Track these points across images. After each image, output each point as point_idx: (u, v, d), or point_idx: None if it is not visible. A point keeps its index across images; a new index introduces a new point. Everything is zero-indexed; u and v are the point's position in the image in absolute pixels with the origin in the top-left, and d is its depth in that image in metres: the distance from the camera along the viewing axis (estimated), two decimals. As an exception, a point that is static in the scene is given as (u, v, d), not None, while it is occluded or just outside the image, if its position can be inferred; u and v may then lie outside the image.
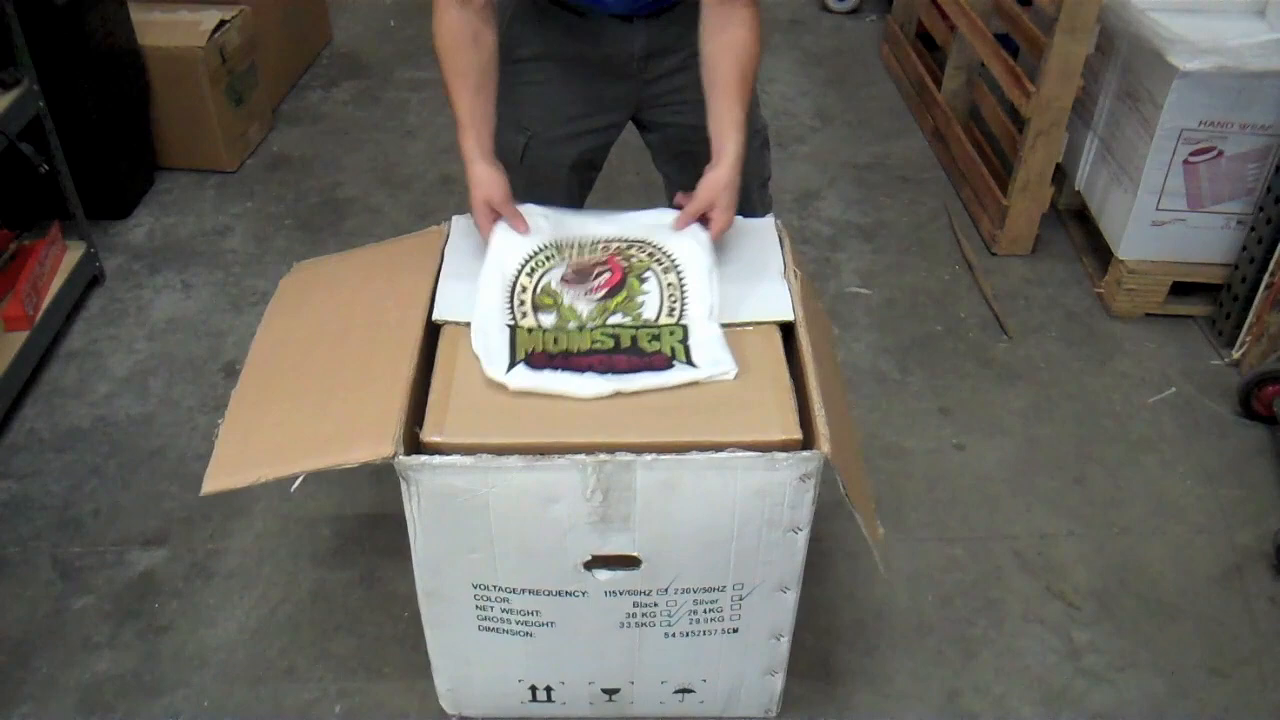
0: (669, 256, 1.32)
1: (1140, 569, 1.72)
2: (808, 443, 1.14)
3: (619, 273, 1.30)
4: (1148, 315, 2.28)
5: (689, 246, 1.32)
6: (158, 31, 2.56)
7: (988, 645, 1.60)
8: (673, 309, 1.26)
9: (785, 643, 1.34)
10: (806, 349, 1.22)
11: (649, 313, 1.26)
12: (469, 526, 1.17)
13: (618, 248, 1.34)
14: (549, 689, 1.39)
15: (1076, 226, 2.56)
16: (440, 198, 2.68)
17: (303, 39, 3.31)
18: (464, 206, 1.45)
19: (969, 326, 2.27)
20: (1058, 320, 2.29)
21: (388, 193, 2.71)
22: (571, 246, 1.34)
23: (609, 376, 1.18)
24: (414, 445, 1.14)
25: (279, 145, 2.91)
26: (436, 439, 1.13)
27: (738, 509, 1.16)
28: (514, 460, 1.11)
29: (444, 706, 1.45)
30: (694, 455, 1.12)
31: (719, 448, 1.12)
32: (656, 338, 1.23)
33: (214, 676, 1.53)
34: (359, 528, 1.76)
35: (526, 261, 1.31)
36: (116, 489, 1.83)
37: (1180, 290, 2.25)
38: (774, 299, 1.30)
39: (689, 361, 1.20)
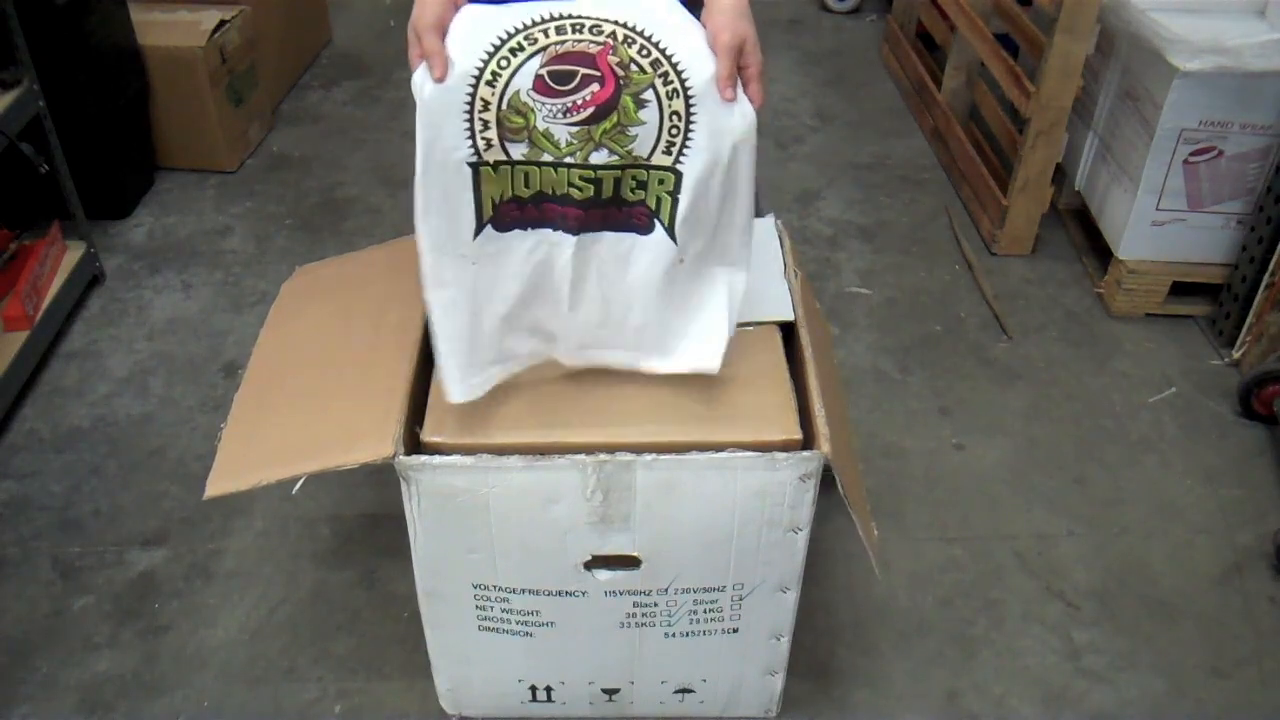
0: (679, 72, 1.02)
1: (1140, 569, 1.72)
2: (808, 443, 1.14)
3: (610, 84, 1.02)
4: (1148, 315, 2.28)
5: (705, 64, 1.02)
6: (158, 31, 2.56)
7: (988, 645, 1.60)
8: (670, 146, 1.04)
9: (785, 643, 1.34)
10: (807, 349, 1.22)
11: (641, 148, 1.04)
12: (469, 526, 1.17)
13: (613, 35, 1.02)
14: (549, 689, 1.39)
15: (1076, 226, 2.56)
16: (440, 198, 2.68)
17: (303, 39, 3.30)
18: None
19: (969, 326, 2.26)
20: (1058, 320, 2.29)
21: (388, 193, 2.71)
22: (549, 26, 1.02)
23: (580, 237, 1.08)
24: (414, 445, 1.14)
25: (279, 145, 2.91)
26: (437, 439, 1.13)
27: (738, 509, 1.16)
28: (514, 460, 1.11)
29: (444, 706, 1.45)
30: (694, 455, 1.12)
31: (719, 448, 1.12)
32: (643, 185, 1.07)
33: (214, 676, 1.53)
34: (359, 528, 1.76)
35: (487, 62, 1.01)
36: (116, 489, 1.83)
37: (1180, 290, 2.25)
38: (774, 299, 1.30)
39: (670, 230, 1.08)
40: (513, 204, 1.08)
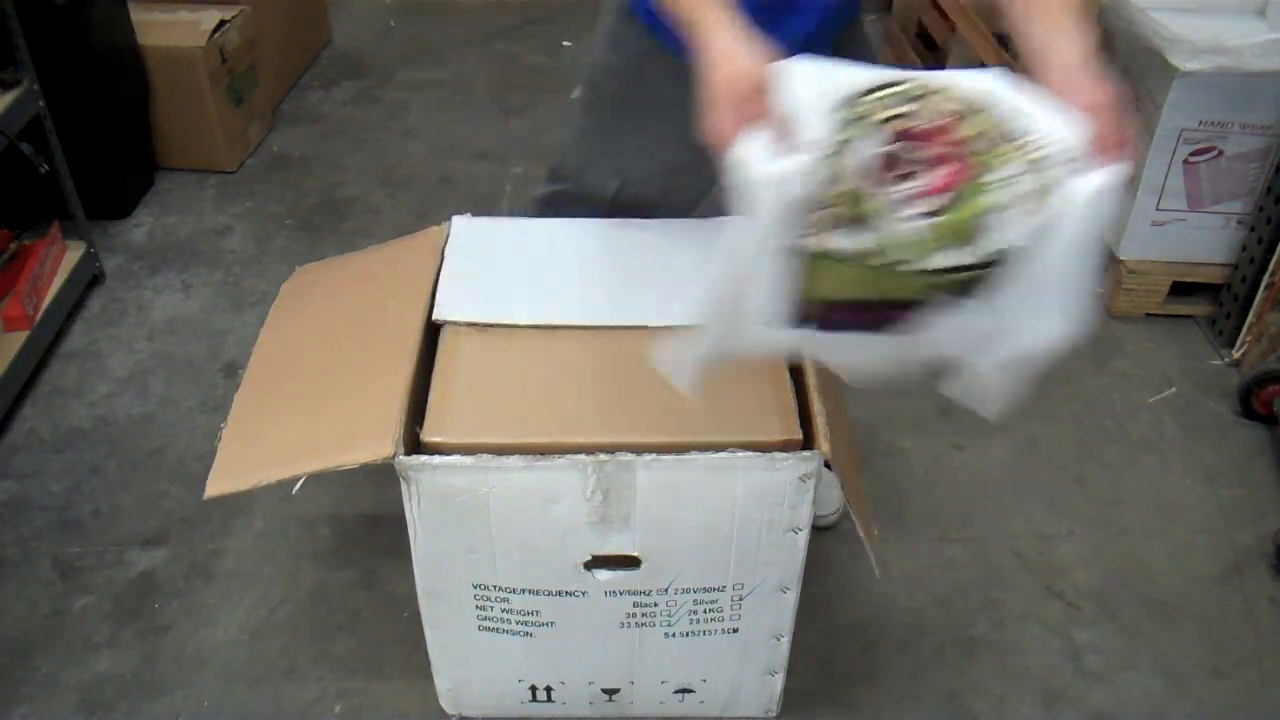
0: (1039, 146, 0.83)
1: (1140, 569, 1.72)
2: (808, 443, 1.14)
3: (963, 170, 0.82)
4: (1148, 315, 2.28)
5: (1070, 133, 0.84)
6: (158, 31, 2.56)
7: (988, 645, 1.60)
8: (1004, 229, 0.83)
9: (785, 643, 1.34)
10: (806, 349, 1.22)
11: (996, 239, 0.83)
12: (469, 526, 1.17)
13: (971, 128, 0.84)
14: (549, 689, 1.39)
15: (1076, 226, 2.55)
16: (440, 198, 2.68)
17: (303, 39, 3.31)
18: (463, 205, 1.43)
19: (969, 326, 2.26)
20: (1058, 320, 2.29)
21: (388, 193, 2.71)
22: (900, 91, 0.85)
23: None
24: (414, 445, 1.14)
25: (279, 145, 2.91)
26: (437, 439, 1.13)
27: (738, 509, 1.16)
28: (514, 460, 1.11)
29: (444, 706, 1.45)
30: (694, 455, 1.12)
31: (719, 448, 1.12)
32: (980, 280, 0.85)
33: (214, 676, 1.53)
34: (359, 528, 1.76)
35: (835, 124, 0.83)
36: (116, 489, 1.83)
37: (1180, 290, 2.25)
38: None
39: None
40: (841, 306, 0.89)
